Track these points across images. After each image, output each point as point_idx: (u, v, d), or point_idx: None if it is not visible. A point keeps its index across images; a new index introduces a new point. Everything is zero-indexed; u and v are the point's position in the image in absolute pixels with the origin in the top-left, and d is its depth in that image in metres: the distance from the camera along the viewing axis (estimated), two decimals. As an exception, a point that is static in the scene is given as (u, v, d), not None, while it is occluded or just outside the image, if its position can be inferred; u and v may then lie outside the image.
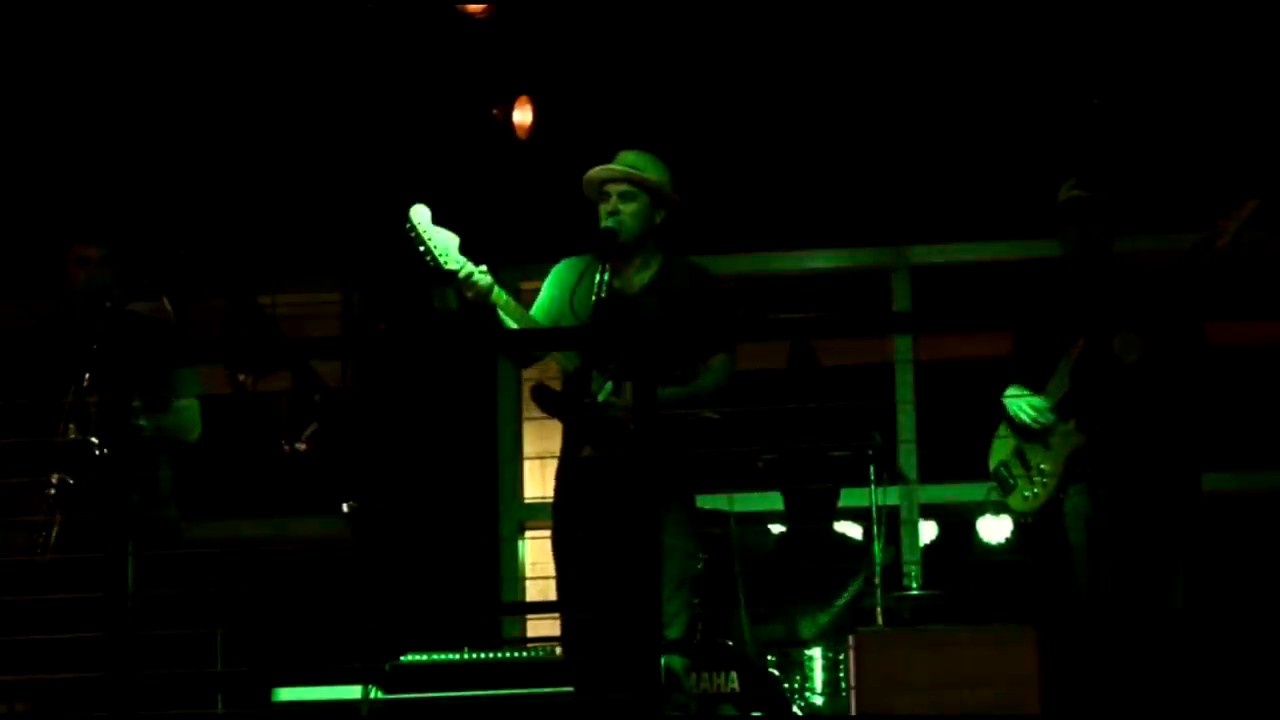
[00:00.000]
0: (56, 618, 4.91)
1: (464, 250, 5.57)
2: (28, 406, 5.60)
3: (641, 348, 4.72)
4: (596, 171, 5.76)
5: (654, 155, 5.83)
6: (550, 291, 5.83)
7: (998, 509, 6.46)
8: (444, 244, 5.56)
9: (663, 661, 5.34)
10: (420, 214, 5.56)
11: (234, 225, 8.07)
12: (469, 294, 5.57)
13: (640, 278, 5.76)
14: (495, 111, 7.79)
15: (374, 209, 8.09)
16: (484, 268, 5.57)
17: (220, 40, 8.01)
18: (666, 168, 5.83)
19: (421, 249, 5.52)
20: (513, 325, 5.62)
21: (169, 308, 5.92)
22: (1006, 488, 6.10)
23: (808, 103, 8.11)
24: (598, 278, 5.62)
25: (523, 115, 7.81)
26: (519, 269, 8.28)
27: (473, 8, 7.64)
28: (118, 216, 8.01)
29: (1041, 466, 6.00)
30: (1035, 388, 6.03)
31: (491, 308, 5.58)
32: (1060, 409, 5.97)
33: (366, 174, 8.07)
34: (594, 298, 5.58)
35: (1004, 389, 6.11)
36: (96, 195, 8.22)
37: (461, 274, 5.53)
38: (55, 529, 5.58)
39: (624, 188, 5.73)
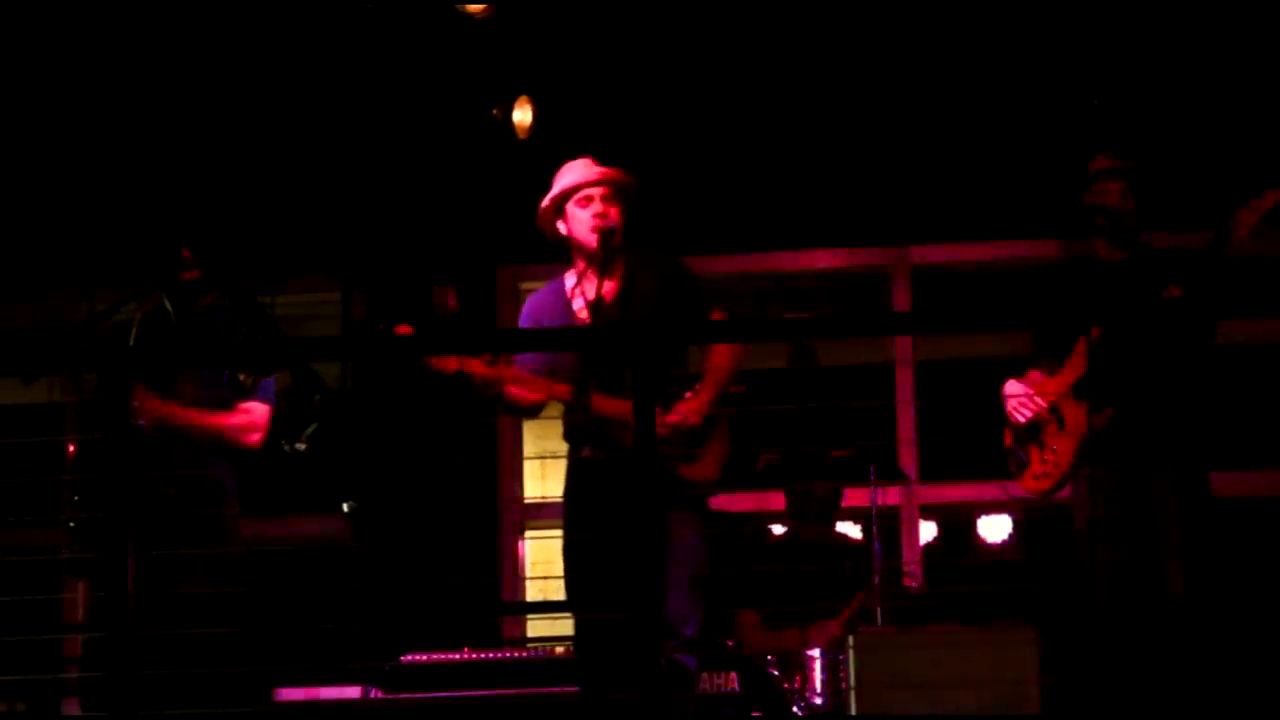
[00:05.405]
0: None
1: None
2: None
3: (640, 349, 4.71)
4: (584, 176, 5.75)
5: (597, 157, 5.84)
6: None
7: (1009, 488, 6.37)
8: None
9: (675, 661, 5.34)
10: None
11: (234, 225, 8.07)
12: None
13: (615, 280, 5.76)
14: (495, 111, 7.79)
15: (374, 209, 8.10)
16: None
17: (221, 40, 8.01)
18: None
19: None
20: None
21: (169, 307, 5.92)
22: (1019, 465, 6.05)
23: (808, 103, 8.12)
24: (599, 275, 5.64)
25: (523, 115, 7.81)
26: (518, 268, 8.33)
27: (473, 8, 7.64)
28: (118, 218, 8.05)
29: (1055, 447, 5.95)
30: (1052, 368, 5.99)
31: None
32: (1077, 390, 5.92)
33: (367, 174, 8.07)
34: (597, 297, 5.60)
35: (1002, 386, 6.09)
36: (96, 196, 8.23)
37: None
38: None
39: (606, 191, 5.74)
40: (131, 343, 5.76)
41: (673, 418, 5.52)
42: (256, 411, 5.87)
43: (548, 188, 5.79)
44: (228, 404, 5.83)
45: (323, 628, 5.79)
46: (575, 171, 5.77)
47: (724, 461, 5.71)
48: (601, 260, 5.69)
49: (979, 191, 8.07)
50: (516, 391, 5.66)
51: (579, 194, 5.73)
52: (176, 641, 5.08)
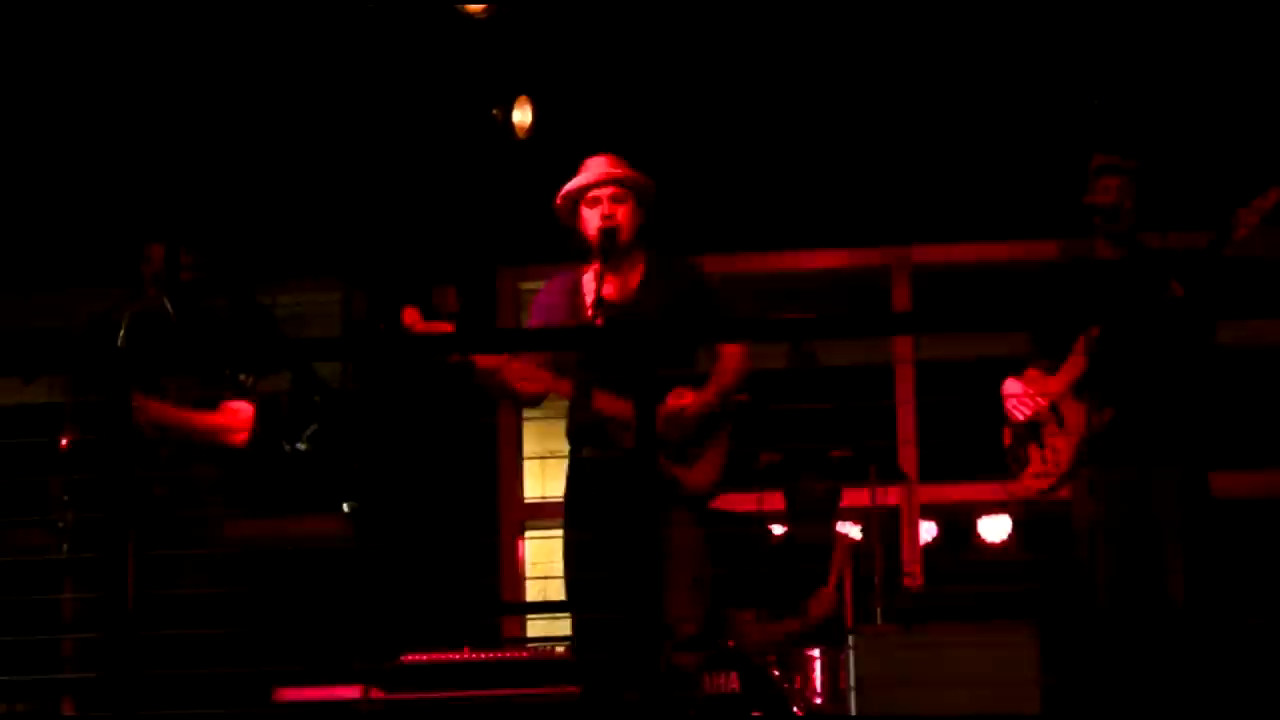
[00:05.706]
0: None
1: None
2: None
3: (642, 350, 4.72)
4: (588, 178, 5.74)
5: (620, 156, 5.83)
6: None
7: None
8: None
9: (675, 661, 5.34)
10: (412, 317, 5.61)
11: (234, 225, 8.08)
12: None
13: (630, 281, 5.76)
14: (495, 111, 7.80)
15: (375, 209, 8.10)
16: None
17: (221, 40, 8.01)
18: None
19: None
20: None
21: (169, 308, 5.92)
22: (1019, 464, 6.05)
23: (809, 102, 8.12)
24: (601, 277, 5.64)
25: (523, 115, 7.82)
26: (518, 269, 8.33)
27: (473, 8, 7.64)
28: (118, 218, 8.04)
29: (1055, 446, 5.95)
30: (1049, 367, 5.99)
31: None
32: (1077, 389, 5.92)
33: (367, 174, 8.08)
34: (597, 296, 5.60)
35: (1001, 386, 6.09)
36: (96, 197, 8.23)
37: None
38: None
39: (614, 190, 5.73)
40: (120, 343, 5.75)
41: (670, 400, 5.52)
42: (242, 411, 5.87)
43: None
44: (213, 403, 5.84)
45: (323, 627, 5.78)
46: (587, 171, 5.77)
47: (722, 467, 5.71)
48: (604, 260, 5.69)
49: (979, 191, 8.08)
50: (519, 383, 5.68)
51: (589, 193, 5.73)
52: (173, 641, 5.07)
